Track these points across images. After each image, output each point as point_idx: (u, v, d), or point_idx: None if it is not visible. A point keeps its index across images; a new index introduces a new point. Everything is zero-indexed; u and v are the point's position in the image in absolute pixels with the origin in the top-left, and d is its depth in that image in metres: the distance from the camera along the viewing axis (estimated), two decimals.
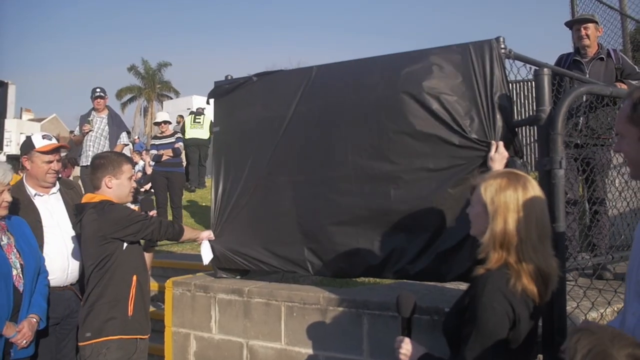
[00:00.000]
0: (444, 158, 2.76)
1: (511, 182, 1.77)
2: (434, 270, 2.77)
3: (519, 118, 3.07)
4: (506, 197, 1.75)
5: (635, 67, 4.21)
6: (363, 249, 2.99)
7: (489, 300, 1.67)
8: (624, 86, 3.83)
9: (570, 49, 4.46)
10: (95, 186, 2.89)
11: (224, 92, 3.62)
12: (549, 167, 2.31)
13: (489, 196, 1.77)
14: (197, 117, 11.38)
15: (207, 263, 3.43)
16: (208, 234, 3.44)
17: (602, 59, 4.05)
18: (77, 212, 2.84)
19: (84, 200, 2.86)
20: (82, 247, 2.82)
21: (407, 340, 1.85)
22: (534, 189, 1.78)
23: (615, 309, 2.80)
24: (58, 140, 3.36)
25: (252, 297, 3.23)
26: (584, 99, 3.15)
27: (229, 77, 3.74)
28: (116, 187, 2.86)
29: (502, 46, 2.70)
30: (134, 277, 2.79)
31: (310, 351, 2.98)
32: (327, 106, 3.16)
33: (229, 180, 3.52)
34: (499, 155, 2.53)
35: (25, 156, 3.20)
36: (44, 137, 3.23)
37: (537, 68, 2.62)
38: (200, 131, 11.20)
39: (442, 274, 2.75)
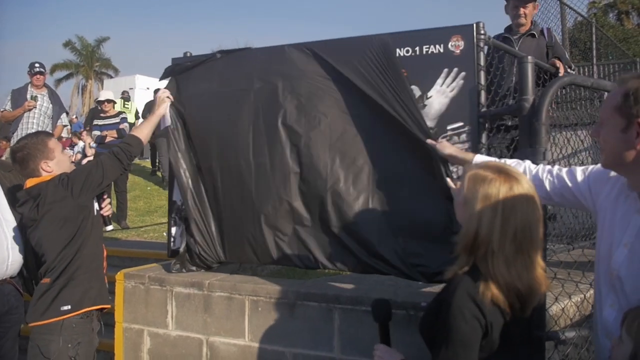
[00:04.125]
0: (413, 150, 2.63)
1: (498, 179, 1.59)
2: (404, 267, 2.67)
3: None
4: (486, 197, 1.57)
5: (566, 52, 4.21)
6: (330, 241, 2.85)
7: (459, 306, 1.53)
8: (559, 62, 3.80)
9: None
10: (35, 177, 2.58)
11: (183, 70, 3.33)
12: (532, 158, 2.24)
13: (470, 189, 1.61)
14: (126, 102, 11.66)
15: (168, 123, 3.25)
16: (165, 107, 3.19)
17: (533, 35, 4.02)
18: (26, 198, 2.51)
19: (28, 185, 2.54)
20: (45, 233, 2.49)
21: (382, 347, 1.84)
22: (525, 196, 1.58)
23: (562, 306, 2.74)
24: None
25: (213, 291, 3.03)
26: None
27: (188, 54, 3.46)
28: (56, 166, 2.60)
29: (482, 32, 2.62)
30: (102, 247, 2.69)
31: (276, 348, 2.82)
32: (295, 87, 2.97)
33: (186, 161, 3.25)
34: (441, 145, 2.37)
35: None
36: None
37: (518, 57, 2.56)
38: (128, 116, 11.36)
39: (414, 272, 2.65)
